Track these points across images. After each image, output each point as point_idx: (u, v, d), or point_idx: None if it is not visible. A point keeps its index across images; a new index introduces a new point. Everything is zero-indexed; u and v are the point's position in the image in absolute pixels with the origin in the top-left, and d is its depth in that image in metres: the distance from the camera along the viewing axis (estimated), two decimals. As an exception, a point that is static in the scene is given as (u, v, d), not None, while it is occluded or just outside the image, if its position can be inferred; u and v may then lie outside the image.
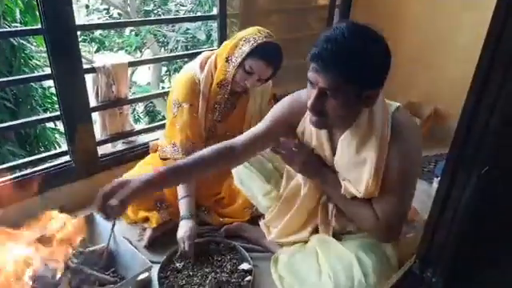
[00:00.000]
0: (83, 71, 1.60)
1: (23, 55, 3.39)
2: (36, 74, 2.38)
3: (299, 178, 1.31)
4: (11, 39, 3.17)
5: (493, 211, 0.96)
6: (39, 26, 1.45)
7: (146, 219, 1.57)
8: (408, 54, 2.52)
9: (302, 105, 1.10)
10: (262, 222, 1.47)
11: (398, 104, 1.12)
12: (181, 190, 1.51)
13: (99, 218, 1.40)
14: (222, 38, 2.07)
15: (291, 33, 2.51)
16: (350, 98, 0.98)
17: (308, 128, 1.21)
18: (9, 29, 2.62)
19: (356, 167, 1.11)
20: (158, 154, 1.65)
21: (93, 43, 6.56)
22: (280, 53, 1.50)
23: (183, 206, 1.47)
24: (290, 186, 1.35)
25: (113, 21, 4.73)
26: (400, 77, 2.30)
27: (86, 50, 6.39)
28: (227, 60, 1.49)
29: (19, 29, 2.71)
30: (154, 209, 1.56)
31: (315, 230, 1.31)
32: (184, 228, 1.42)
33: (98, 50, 6.62)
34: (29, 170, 1.66)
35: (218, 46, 2.10)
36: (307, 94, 1.03)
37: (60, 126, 3.97)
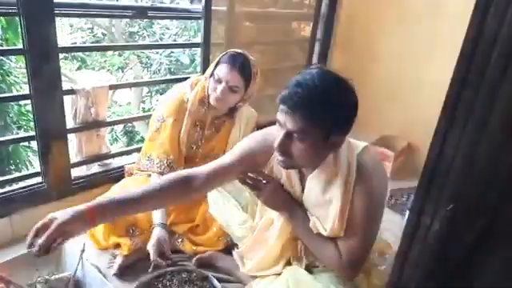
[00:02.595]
0: (62, 92, 1.59)
1: (1, 71, 3.33)
2: (14, 93, 2.33)
3: (272, 211, 1.31)
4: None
5: (459, 249, 0.99)
6: (21, 46, 1.44)
7: (118, 245, 1.54)
8: (383, 90, 2.64)
9: (271, 143, 1.09)
10: (235, 253, 1.46)
11: (365, 144, 1.16)
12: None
13: (67, 244, 1.35)
14: (205, 65, 2.10)
15: (274, 63, 2.59)
16: (315, 142, 1.01)
17: (278, 166, 1.21)
18: None
19: (323, 206, 1.14)
20: (135, 168, 1.68)
21: (74, 61, 6.51)
22: (246, 60, 1.56)
23: (157, 214, 1.48)
24: (264, 217, 1.36)
25: (96, 44, 4.73)
26: (376, 112, 2.40)
27: (67, 68, 6.33)
28: (206, 78, 1.61)
29: (1, 48, 2.68)
30: (126, 235, 1.52)
31: (288, 263, 1.30)
32: (157, 233, 1.42)
33: (79, 68, 6.56)
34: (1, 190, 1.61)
35: (202, 72, 2.14)
36: (276, 133, 1.06)
37: (33, 144, 3.88)
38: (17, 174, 1.69)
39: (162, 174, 1.57)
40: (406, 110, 2.55)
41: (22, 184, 1.66)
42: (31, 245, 0.90)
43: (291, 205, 1.21)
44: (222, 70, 1.53)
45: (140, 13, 1.79)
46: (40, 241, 0.88)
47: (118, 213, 1.04)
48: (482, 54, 0.66)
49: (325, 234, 1.14)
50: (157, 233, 1.43)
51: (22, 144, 3.55)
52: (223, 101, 1.58)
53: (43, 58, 1.46)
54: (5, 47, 2.87)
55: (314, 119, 0.97)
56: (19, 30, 1.42)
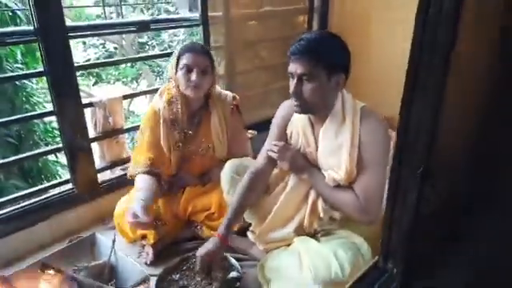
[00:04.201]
0: (82, 106, 1.78)
1: (24, 93, 3.60)
2: (39, 111, 2.56)
3: (286, 180, 1.51)
4: (14, 80, 3.40)
5: (438, 211, 1.10)
6: (41, 69, 1.64)
7: (144, 237, 1.72)
8: (382, 74, 2.71)
9: (289, 109, 1.44)
10: (249, 232, 1.61)
11: (365, 104, 1.37)
12: (139, 184, 1.63)
13: (100, 237, 1.54)
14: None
15: (277, 59, 2.71)
16: (321, 81, 1.27)
17: (295, 129, 1.46)
18: (14, 73, 2.82)
19: (335, 153, 1.33)
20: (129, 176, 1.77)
21: (90, 77, 6.83)
22: (200, 44, 1.73)
23: (138, 193, 1.57)
24: (277, 188, 1.53)
25: (107, 60, 4.96)
26: (376, 96, 2.48)
27: (85, 84, 6.64)
28: (169, 80, 1.72)
29: (24, 72, 2.93)
30: (150, 227, 1.70)
31: (299, 228, 1.45)
32: (137, 196, 1.55)
33: (95, 83, 6.88)
34: (36, 199, 1.81)
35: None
36: (290, 87, 1.31)
37: (61, 158, 4.15)
38: (49, 183, 1.89)
39: (147, 173, 1.66)
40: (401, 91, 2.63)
41: (55, 191, 1.87)
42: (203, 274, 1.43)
43: (310, 166, 1.43)
44: (189, 59, 1.61)
45: (143, 27, 1.96)
46: (218, 273, 1.43)
47: (234, 226, 1.50)
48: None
49: (340, 180, 1.32)
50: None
51: (50, 159, 3.82)
52: (200, 86, 1.64)
53: (62, 77, 1.65)
54: (26, 71, 3.10)
55: (318, 60, 1.24)
56: (38, 54, 1.61)
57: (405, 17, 2.46)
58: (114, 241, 1.36)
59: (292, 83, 1.30)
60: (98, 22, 1.89)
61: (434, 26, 0.80)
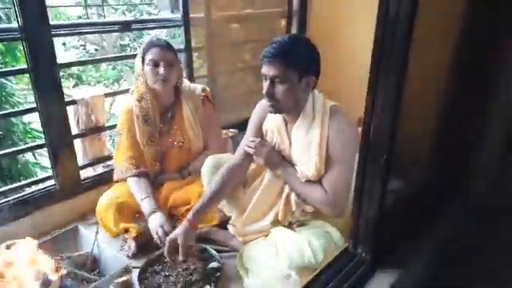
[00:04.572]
0: (65, 103, 1.81)
1: (4, 93, 3.56)
2: (22, 108, 2.55)
3: (261, 176, 1.58)
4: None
5: (401, 197, 1.19)
6: (25, 66, 1.67)
7: (126, 231, 1.75)
8: (359, 74, 2.84)
9: (264, 108, 1.49)
10: (229, 225, 1.68)
11: (337, 103, 1.46)
12: (137, 193, 1.72)
13: (83, 230, 1.58)
14: (189, 68, 2.32)
15: (255, 61, 2.80)
16: (293, 82, 1.33)
17: (270, 128, 1.54)
18: None
19: (306, 150, 1.41)
20: (114, 179, 1.85)
21: (70, 78, 6.74)
22: (165, 40, 1.77)
23: (146, 206, 1.67)
24: (253, 183, 1.60)
25: (91, 58, 4.96)
26: (352, 98, 2.58)
27: (65, 86, 6.54)
28: (137, 78, 1.76)
29: (7, 69, 2.91)
30: (132, 221, 1.75)
31: (275, 221, 1.52)
32: (154, 220, 1.62)
33: (75, 85, 6.80)
34: (18, 195, 1.83)
35: (187, 76, 2.35)
36: (263, 88, 1.38)
37: (41, 159, 4.10)
38: (32, 179, 1.91)
39: (137, 176, 1.77)
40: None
41: (37, 187, 1.89)
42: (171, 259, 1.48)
43: (284, 162, 1.50)
44: (155, 53, 1.67)
45: (125, 27, 2.01)
46: (181, 257, 1.44)
47: (204, 213, 1.54)
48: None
49: (310, 175, 1.40)
50: (153, 218, 1.63)
51: (30, 161, 3.78)
52: (168, 79, 1.70)
53: (45, 74, 1.68)
54: (9, 68, 3.07)
55: (289, 63, 1.31)
56: (18, 54, 1.64)
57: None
58: (96, 232, 1.40)
59: (265, 85, 1.36)
60: (81, 21, 1.91)
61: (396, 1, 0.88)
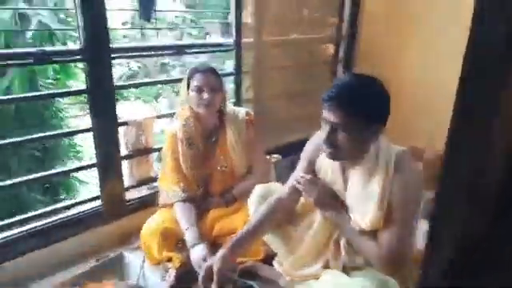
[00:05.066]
0: (118, 124, 1.81)
1: (53, 108, 3.70)
2: (77, 129, 2.56)
3: (311, 215, 1.46)
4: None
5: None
6: (84, 87, 1.69)
7: (169, 260, 1.68)
8: (409, 99, 2.71)
9: (319, 143, 1.34)
10: (275, 262, 1.58)
11: (404, 148, 1.31)
12: (182, 220, 1.69)
13: (128, 256, 1.53)
14: (238, 92, 2.30)
15: (299, 85, 2.75)
16: (357, 131, 1.19)
17: (324, 165, 1.42)
18: (59, 90, 2.91)
19: (364, 200, 1.27)
20: (160, 205, 1.84)
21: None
22: (208, 64, 1.78)
23: (189, 236, 1.63)
24: (303, 223, 1.49)
25: (148, 80, 5.05)
26: (402, 123, 2.48)
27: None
28: (181, 103, 1.78)
29: (68, 90, 2.95)
30: (175, 249, 1.69)
31: (326, 265, 1.41)
32: (197, 252, 1.57)
33: (116, 100, 7.02)
34: (64, 214, 1.82)
35: (236, 99, 2.33)
36: (322, 132, 1.25)
37: (79, 175, 4.19)
38: (81, 199, 1.90)
39: (183, 201, 1.75)
40: (435, 121, 2.62)
41: (83, 207, 1.88)
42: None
43: (337, 204, 1.37)
44: (200, 79, 1.70)
45: (179, 51, 2.02)
46: (214, 286, 1.30)
47: (245, 247, 1.43)
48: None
49: (366, 227, 1.26)
50: (196, 250, 1.59)
51: (77, 178, 3.86)
52: (212, 103, 1.71)
53: (103, 96, 1.69)
54: (68, 89, 3.14)
55: (353, 110, 1.16)
56: (71, 70, 1.66)
57: (437, 44, 2.54)
58: (143, 261, 1.35)
59: (325, 130, 1.23)
60: (139, 44, 1.93)
61: (484, 61, 0.78)
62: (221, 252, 1.36)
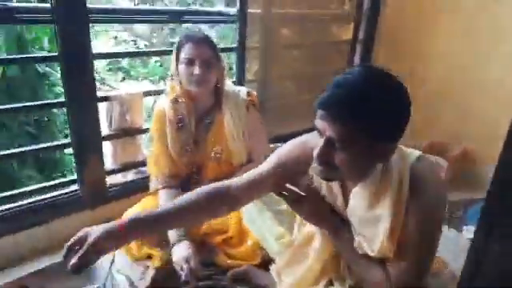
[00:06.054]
0: (96, 99, 1.58)
1: (47, 82, 3.48)
2: (49, 101, 2.37)
3: (312, 226, 1.18)
4: (37, 67, 3.29)
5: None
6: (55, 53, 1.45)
7: (150, 257, 1.49)
8: (433, 89, 2.42)
9: (311, 152, 0.94)
10: (272, 268, 1.35)
11: (419, 153, 1.00)
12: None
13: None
14: (240, 70, 2.03)
15: (312, 67, 2.47)
16: (360, 150, 0.86)
17: (316, 176, 1.07)
18: (28, 55, 2.70)
19: (370, 224, 0.99)
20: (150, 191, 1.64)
21: (119, 72, 6.75)
22: (202, 33, 1.54)
23: (173, 231, 1.42)
24: (303, 232, 1.24)
25: (129, 51, 4.83)
26: (423, 114, 2.20)
27: (113, 80, 6.57)
28: (172, 78, 1.53)
29: (37, 55, 2.79)
30: (158, 246, 1.47)
31: (329, 283, 1.17)
32: (179, 251, 1.35)
33: (123, 79, 6.80)
34: (37, 198, 1.62)
35: (237, 79, 2.07)
36: (315, 141, 0.92)
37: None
38: (54, 182, 1.69)
39: (168, 187, 1.57)
40: (460, 112, 2.33)
41: (59, 192, 1.66)
42: (66, 260, 0.87)
43: (334, 221, 1.08)
44: (190, 50, 1.44)
45: (174, 17, 1.75)
46: (74, 259, 0.85)
47: (150, 229, 0.99)
48: None
49: (372, 255, 0.99)
50: (179, 247, 1.38)
51: (67, 152, 3.68)
52: (205, 80, 1.46)
53: (78, 64, 1.45)
54: (40, 54, 2.94)
55: (357, 124, 0.82)
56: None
57: (476, 23, 2.21)
58: (112, 262, 1.13)
59: (318, 143, 0.89)
60: (124, 7, 1.68)
61: None
62: (108, 224, 0.91)
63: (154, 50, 5.41)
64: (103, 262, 1.28)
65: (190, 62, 1.44)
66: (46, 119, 3.54)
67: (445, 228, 1.85)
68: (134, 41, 6.70)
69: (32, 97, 3.25)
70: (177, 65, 1.49)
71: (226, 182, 1.08)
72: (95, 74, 1.57)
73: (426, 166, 0.98)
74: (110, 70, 6.32)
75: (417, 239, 0.94)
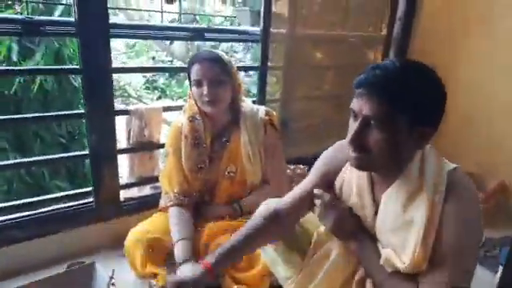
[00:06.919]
0: (114, 112, 1.60)
1: (72, 87, 3.61)
2: (70, 112, 2.40)
3: (330, 244, 1.12)
4: (73, 80, 3.42)
5: None
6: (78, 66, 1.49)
7: (156, 275, 1.44)
8: (465, 114, 2.26)
9: (343, 155, 1.02)
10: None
11: (457, 165, 0.95)
12: (174, 230, 1.44)
13: (100, 268, 1.29)
14: (262, 88, 2.01)
15: (338, 89, 2.41)
16: (398, 131, 0.86)
17: (347, 181, 1.08)
18: (49, 67, 2.80)
19: (401, 229, 0.93)
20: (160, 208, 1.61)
21: (156, 91, 6.96)
22: (210, 51, 1.51)
23: (179, 250, 1.38)
24: (318, 254, 1.16)
25: (146, 66, 4.98)
26: (453, 141, 2.05)
27: (149, 98, 6.76)
28: (189, 96, 1.55)
29: (58, 67, 2.88)
30: (163, 264, 1.43)
31: None
32: (185, 272, 1.29)
33: (159, 98, 7.00)
34: (52, 207, 1.64)
35: (258, 98, 2.05)
36: (348, 130, 0.92)
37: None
38: (67, 193, 1.71)
39: (179, 205, 1.52)
40: (497, 140, 2.16)
41: (73, 202, 1.68)
42: None
43: (360, 233, 1.03)
44: (197, 71, 1.43)
45: (197, 34, 1.76)
46: None
47: (231, 261, 1.19)
48: None
49: (402, 267, 0.91)
50: (184, 268, 1.33)
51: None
52: (215, 100, 1.45)
53: (97, 77, 1.48)
54: (63, 66, 3.01)
55: (395, 101, 0.84)
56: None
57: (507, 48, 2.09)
58: (111, 277, 1.10)
59: (353, 125, 0.91)
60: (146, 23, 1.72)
61: None
62: (196, 269, 1.09)
63: (170, 66, 5.61)
64: (104, 276, 1.25)
65: (199, 83, 1.44)
66: (78, 131, 3.66)
67: (479, 268, 1.67)
68: (171, 61, 6.92)
69: (66, 109, 3.38)
70: (190, 85, 1.50)
71: (277, 202, 1.17)
72: (132, 91, 1.61)
73: (464, 175, 0.94)
74: (147, 88, 6.53)
75: (454, 248, 0.87)
